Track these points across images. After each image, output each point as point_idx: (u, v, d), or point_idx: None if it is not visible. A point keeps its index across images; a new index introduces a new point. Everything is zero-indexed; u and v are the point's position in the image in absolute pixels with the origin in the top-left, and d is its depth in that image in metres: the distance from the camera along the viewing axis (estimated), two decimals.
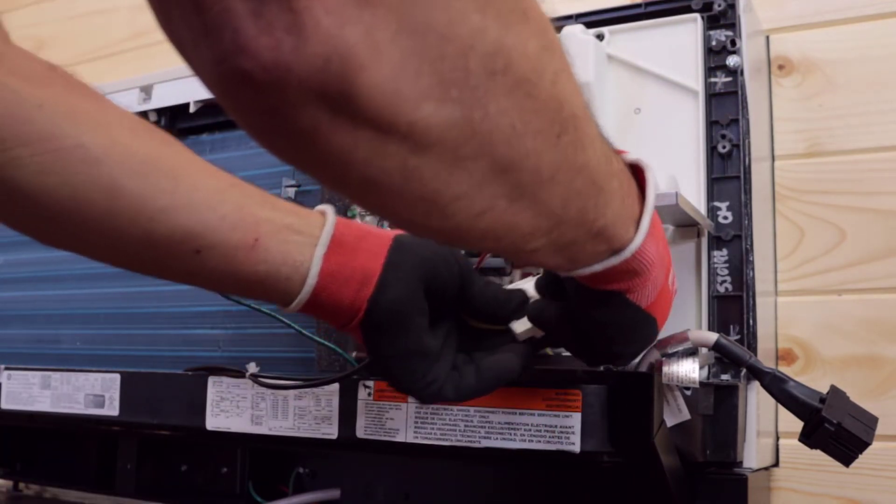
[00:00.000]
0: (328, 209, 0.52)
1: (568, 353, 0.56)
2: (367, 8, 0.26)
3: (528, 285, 0.56)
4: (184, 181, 0.47)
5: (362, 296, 0.50)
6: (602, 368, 0.57)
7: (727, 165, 0.68)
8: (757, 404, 0.65)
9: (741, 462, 0.63)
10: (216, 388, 0.70)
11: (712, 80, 0.69)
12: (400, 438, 0.61)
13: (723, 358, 0.65)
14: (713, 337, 0.55)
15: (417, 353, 0.51)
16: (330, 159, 0.30)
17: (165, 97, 0.82)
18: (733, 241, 0.66)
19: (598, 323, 0.49)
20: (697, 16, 0.70)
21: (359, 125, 0.28)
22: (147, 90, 0.83)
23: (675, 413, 0.58)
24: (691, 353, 0.55)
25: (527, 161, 0.33)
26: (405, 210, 0.33)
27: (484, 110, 0.30)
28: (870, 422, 0.53)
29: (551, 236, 0.38)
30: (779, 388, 0.53)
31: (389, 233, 0.52)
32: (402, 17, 0.27)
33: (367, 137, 0.29)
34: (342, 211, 0.69)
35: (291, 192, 0.73)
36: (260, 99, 0.27)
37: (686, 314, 0.65)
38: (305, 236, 0.50)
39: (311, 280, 0.49)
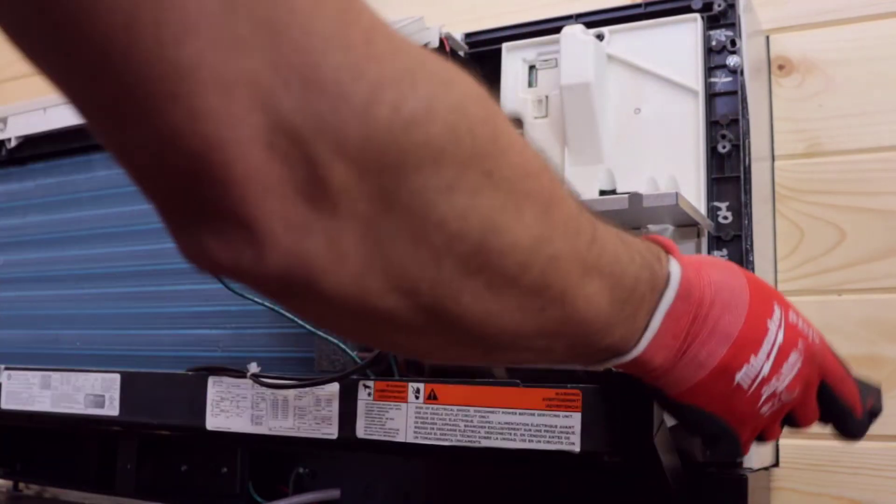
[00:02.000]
0: None
1: None
2: (330, 220, 0.26)
3: None
4: None
5: None
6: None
7: (727, 165, 0.68)
8: None
9: (741, 462, 0.63)
10: (216, 388, 0.70)
11: (712, 80, 0.69)
12: (400, 438, 0.61)
13: None
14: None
15: None
16: (307, 316, 0.32)
17: None
18: (733, 241, 0.66)
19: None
20: (697, 16, 0.70)
21: (323, 304, 0.28)
22: None
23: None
24: None
25: (503, 335, 0.33)
26: (382, 349, 0.37)
27: (456, 301, 0.30)
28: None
29: (543, 357, 0.38)
30: None
31: None
32: (369, 226, 0.27)
33: (332, 310, 0.29)
34: None
35: None
36: (231, 278, 0.28)
37: None
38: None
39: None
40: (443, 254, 0.28)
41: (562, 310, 0.34)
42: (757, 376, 0.45)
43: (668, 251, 0.43)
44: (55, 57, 0.24)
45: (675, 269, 0.42)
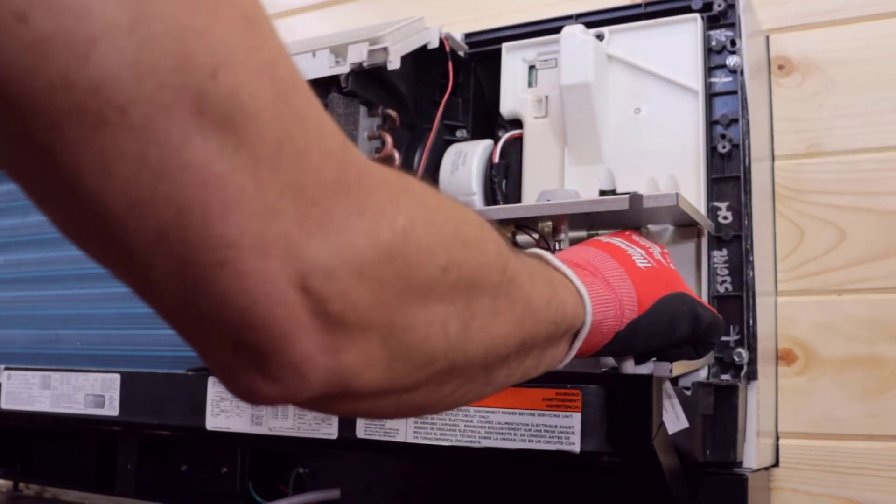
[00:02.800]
0: None
1: None
2: (357, 334, 0.31)
3: None
4: None
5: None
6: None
7: (727, 165, 0.68)
8: (757, 404, 0.65)
9: (741, 462, 0.63)
10: (216, 388, 0.70)
11: (712, 80, 0.69)
12: (400, 438, 0.61)
13: (723, 358, 0.65)
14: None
15: None
16: (340, 414, 0.38)
17: None
18: (733, 241, 0.66)
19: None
20: (697, 16, 0.70)
21: (357, 400, 0.33)
22: None
23: (673, 421, 0.58)
24: None
25: (499, 356, 0.39)
26: (403, 417, 0.43)
27: (464, 353, 0.36)
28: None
29: (526, 366, 0.43)
30: None
31: None
32: (388, 328, 0.32)
33: (364, 402, 0.34)
34: None
35: None
36: (278, 405, 0.34)
37: None
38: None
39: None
40: (445, 323, 0.34)
41: (525, 310, 0.41)
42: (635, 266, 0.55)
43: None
44: (115, 243, 0.28)
45: (585, 301, 0.47)
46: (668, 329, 0.53)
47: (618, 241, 0.56)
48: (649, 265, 0.54)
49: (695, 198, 0.67)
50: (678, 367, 0.55)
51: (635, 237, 0.58)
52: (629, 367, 0.54)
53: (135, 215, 0.26)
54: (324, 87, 0.71)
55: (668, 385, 0.59)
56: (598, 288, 0.48)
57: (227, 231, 0.27)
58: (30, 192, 0.28)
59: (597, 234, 0.69)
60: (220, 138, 0.26)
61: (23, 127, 0.24)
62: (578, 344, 0.46)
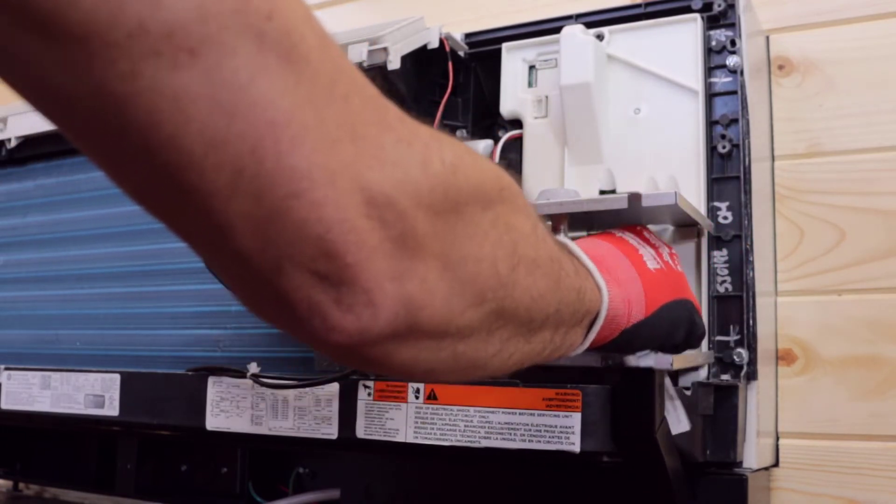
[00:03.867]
0: None
1: None
2: (419, 262, 0.32)
3: None
4: None
5: None
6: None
7: (727, 165, 0.68)
8: (757, 404, 0.65)
9: (741, 462, 0.63)
10: (216, 388, 0.70)
11: (712, 80, 0.69)
12: (400, 438, 0.61)
13: (723, 358, 0.65)
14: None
15: None
16: (398, 370, 0.37)
17: None
18: (733, 241, 0.66)
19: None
20: (697, 16, 0.70)
21: (420, 341, 0.35)
22: None
23: (675, 423, 0.58)
24: None
25: (540, 312, 0.41)
26: (456, 377, 0.41)
27: (511, 296, 0.38)
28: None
29: (555, 341, 0.45)
30: None
31: None
32: (444, 259, 0.34)
33: (425, 346, 0.36)
34: None
35: None
36: (344, 353, 0.34)
37: None
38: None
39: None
40: (496, 262, 0.36)
41: (565, 277, 0.43)
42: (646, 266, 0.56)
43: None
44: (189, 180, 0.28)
45: (603, 298, 0.49)
46: (667, 333, 0.54)
47: (630, 238, 0.57)
48: (658, 267, 0.55)
49: (695, 198, 0.67)
50: (678, 361, 0.55)
51: (646, 234, 0.59)
52: (632, 358, 0.54)
53: (212, 157, 0.27)
54: None
55: (669, 386, 0.59)
56: (612, 285, 0.49)
57: (298, 163, 0.28)
58: (105, 162, 0.29)
59: None
60: (282, 75, 0.28)
61: (102, 78, 0.25)
62: (593, 334, 0.48)
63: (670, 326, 0.54)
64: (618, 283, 0.51)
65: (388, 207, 0.31)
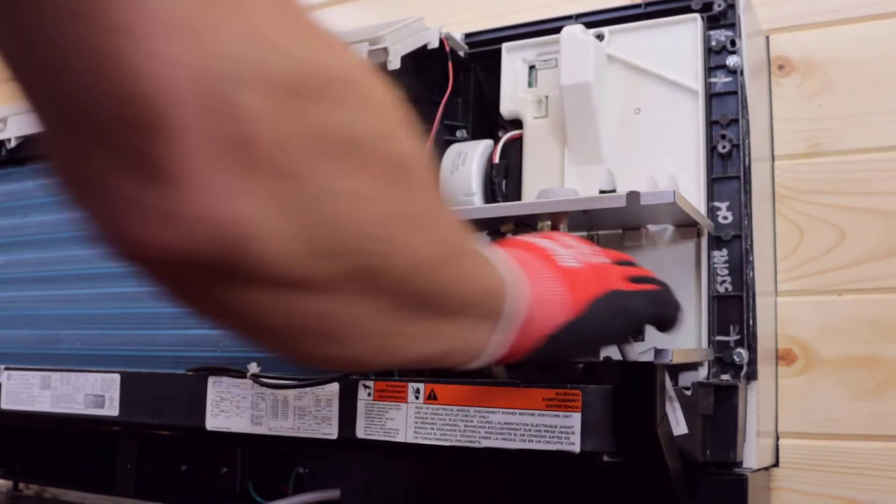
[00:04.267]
0: None
1: None
2: (259, 177, 0.26)
3: None
4: None
5: None
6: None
7: (727, 165, 0.68)
8: (757, 404, 0.65)
9: (741, 462, 0.63)
10: (216, 388, 0.70)
11: (712, 80, 0.69)
12: (400, 438, 0.61)
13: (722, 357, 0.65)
14: None
15: None
16: (222, 314, 0.31)
17: None
18: (733, 241, 0.66)
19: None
20: (697, 16, 0.70)
21: (252, 284, 0.28)
22: None
23: (673, 425, 0.58)
24: None
25: (428, 287, 0.35)
26: (322, 349, 0.34)
27: (386, 255, 0.31)
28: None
29: (454, 335, 0.39)
30: None
31: None
32: (295, 183, 0.27)
33: (258, 292, 0.29)
34: None
35: None
36: (152, 272, 0.28)
37: (686, 314, 0.65)
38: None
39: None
40: (368, 201, 0.30)
41: (459, 249, 0.37)
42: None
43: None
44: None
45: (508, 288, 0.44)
46: (605, 328, 0.51)
47: (540, 241, 0.52)
48: (577, 266, 0.51)
49: (695, 198, 0.66)
50: (678, 356, 0.55)
51: (559, 236, 0.55)
52: (632, 352, 0.54)
53: None
54: None
55: (669, 388, 0.59)
56: (528, 281, 0.45)
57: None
58: None
59: (596, 235, 0.69)
60: None
61: None
62: (503, 334, 0.43)
63: (607, 321, 0.50)
64: (535, 281, 0.46)
65: (234, 86, 0.25)
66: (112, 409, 0.74)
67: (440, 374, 0.64)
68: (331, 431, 0.64)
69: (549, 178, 0.73)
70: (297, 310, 0.31)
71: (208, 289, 0.29)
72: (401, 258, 0.32)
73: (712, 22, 0.70)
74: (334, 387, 0.64)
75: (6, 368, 0.81)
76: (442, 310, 0.37)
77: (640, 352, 0.55)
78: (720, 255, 0.66)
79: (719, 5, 0.69)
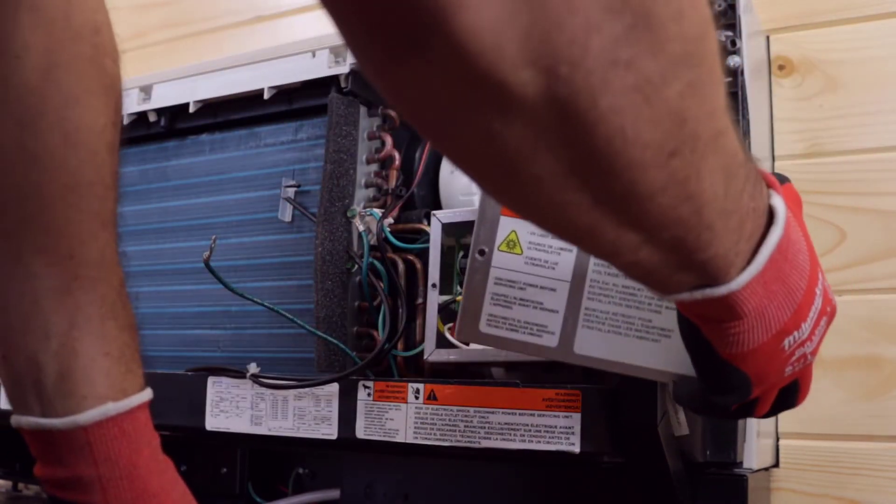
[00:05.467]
0: None
1: None
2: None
3: None
4: None
5: None
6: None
7: None
8: None
9: (741, 462, 0.63)
10: (216, 389, 0.70)
11: None
12: (400, 438, 0.61)
13: None
14: None
15: None
16: (410, 92, 0.27)
17: (165, 97, 0.82)
18: None
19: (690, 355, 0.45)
20: None
21: (448, 69, 0.25)
22: (147, 90, 0.83)
23: (675, 426, 0.58)
24: None
25: (625, 171, 0.29)
26: (483, 175, 0.31)
27: (592, 100, 0.26)
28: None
29: (638, 255, 0.34)
30: None
31: None
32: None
33: (450, 81, 0.26)
34: (341, 212, 0.69)
35: (291, 192, 0.73)
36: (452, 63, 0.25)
37: None
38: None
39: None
40: (593, 29, 0.25)
41: (691, 160, 0.31)
42: (800, 341, 0.42)
43: (769, 185, 0.39)
44: None
45: (779, 204, 0.38)
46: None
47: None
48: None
49: None
50: None
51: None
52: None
53: None
54: (324, 87, 0.71)
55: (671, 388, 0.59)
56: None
57: None
58: None
59: None
60: None
61: None
62: (766, 253, 0.36)
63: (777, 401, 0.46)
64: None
65: None
66: None
67: (440, 375, 0.64)
68: (330, 431, 0.64)
69: None
70: (481, 124, 0.27)
71: (403, 53, 0.25)
72: (615, 115, 0.27)
73: None
74: (334, 387, 0.64)
75: None
76: (732, 172, 0.33)
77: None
78: None
79: (719, 5, 0.69)
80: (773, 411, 0.49)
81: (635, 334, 0.53)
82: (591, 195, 0.30)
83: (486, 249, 0.55)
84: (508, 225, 0.56)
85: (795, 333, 0.41)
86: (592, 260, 0.54)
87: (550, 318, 0.54)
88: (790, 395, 0.48)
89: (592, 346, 0.53)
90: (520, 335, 0.54)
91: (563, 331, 0.54)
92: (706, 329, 0.40)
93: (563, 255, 0.55)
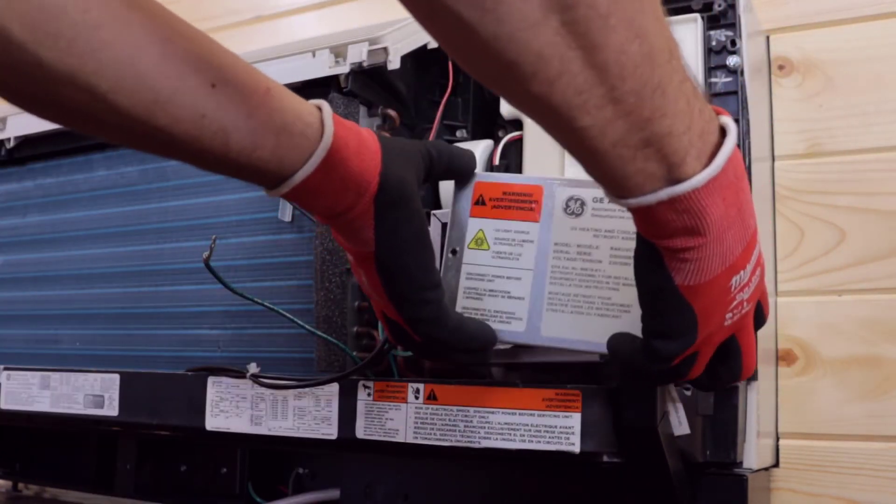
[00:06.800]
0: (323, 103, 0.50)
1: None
2: None
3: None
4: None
5: (373, 166, 0.48)
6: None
7: None
8: (757, 404, 0.65)
9: (741, 462, 0.63)
10: (216, 389, 0.69)
11: (712, 80, 0.69)
12: (400, 439, 0.61)
13: None
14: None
15: (427, 244, 0.51)
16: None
17: None
18: None
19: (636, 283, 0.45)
20: (697, 16, 0.70)
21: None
22: None
23: (675, 425, 0.58)
24: None
25: (623, 69, 0.35)
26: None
27: (604, 33, 0.34)
28: None
29: (603, 113, 0.36)
30: None
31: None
32: None
33: None
34: None
35: None
36: None
37: None
38: (311, 107, 0.49)
39: (328, 136, 0.47)
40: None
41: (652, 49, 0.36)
42: (741, 285, 0.43)
43: (717, 112, 0.42)
44: None
45: (730, 122, 0.41)
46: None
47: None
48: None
49: None
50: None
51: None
52: None
53: None
54: (324, 87, 0.71)
55: (671, 387, 0.59)
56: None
57: None
58: None
59: None
60: None
61: None
62: (724, 156, 0.40)
63: None
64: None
65: None
66: (111, 409, 0.74)
67: (440, 375, 0.64)
68: (330, 432, 0.64)
69: None
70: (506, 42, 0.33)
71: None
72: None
73: (712, 22, 0.70)
74: (334, 387, 0.64)
75: (5, 368, 0.81)
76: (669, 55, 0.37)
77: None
78: None
79: (719, 5, 0.69)
80: (713, 381, 0.50)
81: (596, 312, 0.55)
82: (558, 19, 0.34)
83: (458, 249, 0.60)
84: (476, 225, 0.60)
85: (742, 273, 0.43)
86: (553, 246, 0.57)
87: (517, 305, 0.58)
88: (729, 358, 0.49)
89: (558, 327, 0.56)
90: (492, 324, 0.58)
91: (530, 316, 0.57)
92: (668, 256, 0.41)
93: (526, 247, 0.58)
